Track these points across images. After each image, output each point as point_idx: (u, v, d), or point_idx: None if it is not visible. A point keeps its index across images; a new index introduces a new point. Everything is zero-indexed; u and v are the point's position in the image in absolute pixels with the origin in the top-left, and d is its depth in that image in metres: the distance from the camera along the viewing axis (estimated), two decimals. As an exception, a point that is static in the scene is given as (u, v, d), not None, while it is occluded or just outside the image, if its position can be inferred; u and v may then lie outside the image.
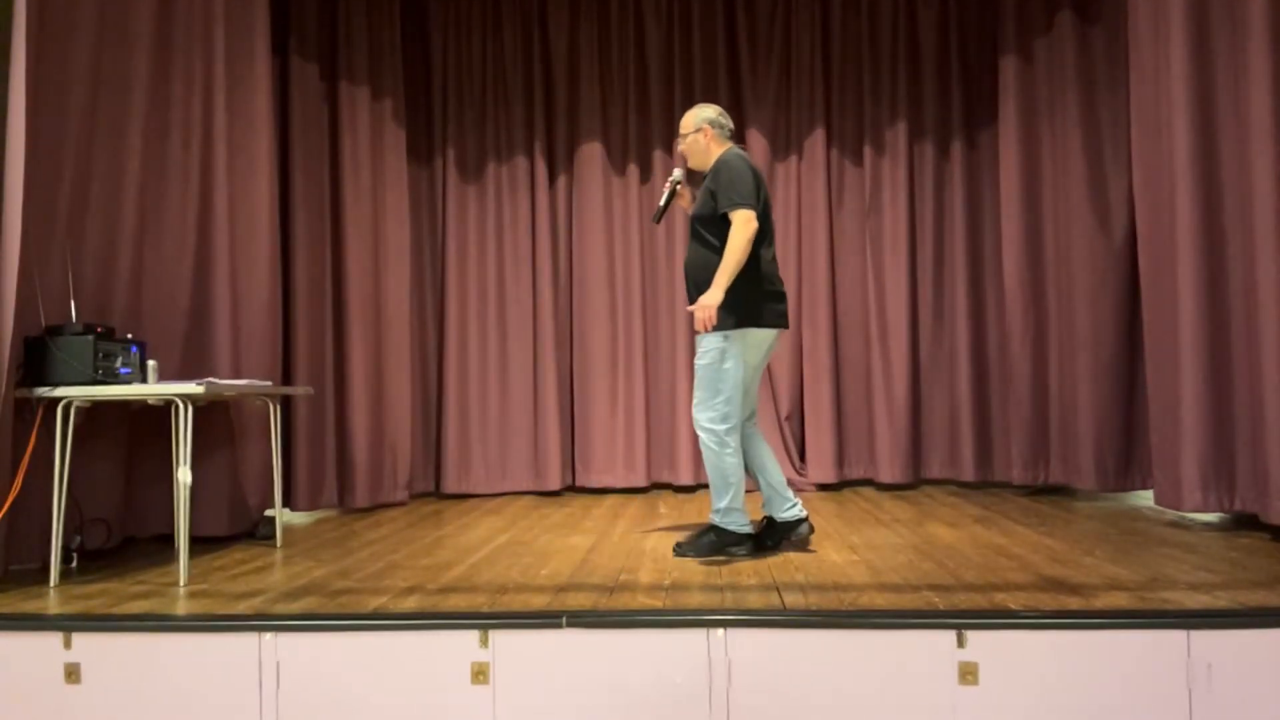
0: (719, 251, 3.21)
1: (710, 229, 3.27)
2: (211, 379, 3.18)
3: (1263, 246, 3.32)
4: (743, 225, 3.14)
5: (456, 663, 2.43)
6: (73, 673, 2.49)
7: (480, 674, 2.42)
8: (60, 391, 2.98)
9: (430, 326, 5.55)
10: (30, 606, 2.67)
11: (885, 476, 5.29)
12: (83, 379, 3.02)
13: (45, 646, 2.50)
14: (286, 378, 4.53)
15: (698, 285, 3.31)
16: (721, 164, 3.28)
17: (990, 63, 5.34)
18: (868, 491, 5.27)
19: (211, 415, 3.83)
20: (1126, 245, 4.62)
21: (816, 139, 5.45)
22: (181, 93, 3.81)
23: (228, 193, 3.94)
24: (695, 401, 3.28)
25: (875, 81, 5.47)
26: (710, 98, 5.51)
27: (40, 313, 3.11)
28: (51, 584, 2.97)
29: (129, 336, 3.29)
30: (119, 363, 3.15)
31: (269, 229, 4.14)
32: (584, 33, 5.56)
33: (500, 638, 2.44)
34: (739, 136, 5.54)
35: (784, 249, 5.48)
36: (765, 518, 3.42)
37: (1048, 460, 4.95)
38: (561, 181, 5.57)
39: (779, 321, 3.29)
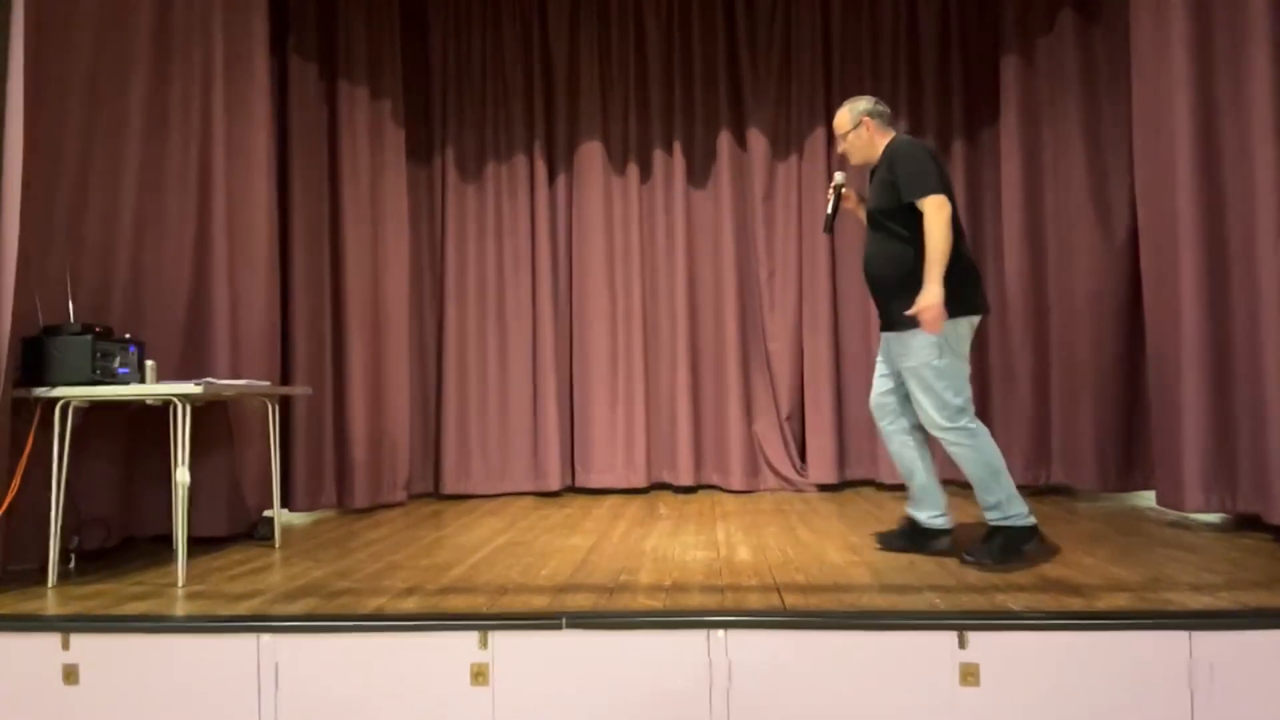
0: (909, 243, 3.07)
1: (896, 220, 3.11)
2: (210, 379, 3.17)
3: (1264, 246, 3.31)
4: (937, 211, 2.96)
5: (456, 664, 2.42)
6: (71, 674, 2.48)
7: (480, 675, 2.42)
8: (58, 392, 2.98)
9: (429, 326, 5.54)
10: (28, 607, 2.66)
11: (886, 476, 5.27)
12: (81, 379, 3.01)
13: (43, 647, 2.50)
14: (285, 378, 4.53)
15: (884, 281, 3.16)
16: (896, 152, 3.11)
17: (991, 62, 5.33)
18: (869, 492, 5.26)
19: (210, 415, 3.83)
20: (1128, 245, 4.61)
21: (817, 139, 5.44)
22: (180, 93, 3.81)
23: (226, 193, 3.93)
24: (922, 410, 3.08)
25: (876, 81, 5.46)
26: (710, 98, 5.51)
27: (38, 313, 3.11)
28: (50, 584, 2.96)
29: (127, 336, 3.28)
30: (117, 363, 3.14)
31: (267, 229, 4.13)
32: (584, 32, 5.55)
33: (500, 639, 2.43)
34: (740, 136, 5.53)
35: (785, 249, 5.48)
36: (908, 518, 3.33)
37: (1049, 460, 4.94)
38: (561, 181, 5.56)
39: (983, 305, 3.12)
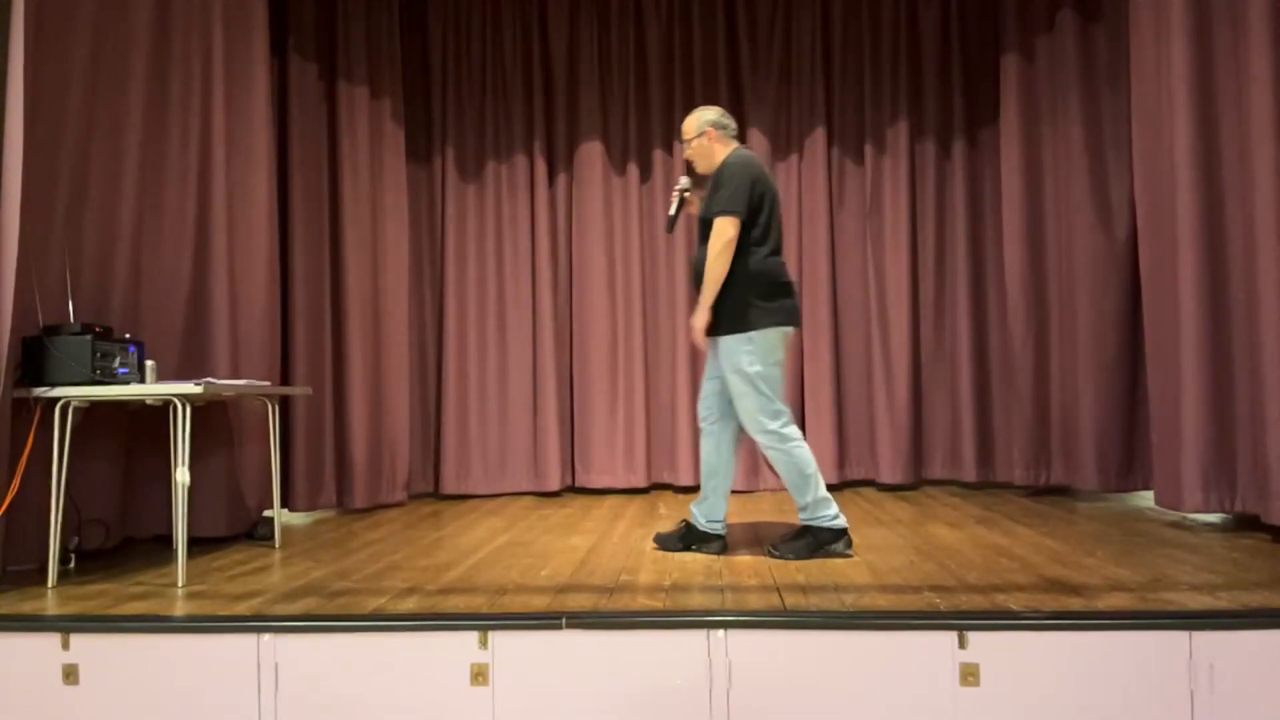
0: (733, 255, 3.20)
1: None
2: (210, 379, 3.17)
3: (1264, 245, 3.31)
4: (718, 234, 3.13)
5: (456, 664, 2.42)
6: (71, 673, 2.48)
7: (480, 675, 2.41)
8: (58, 391, 2.97)
9: (429, 326, 5.54)
10: (28, 607, 2.66)
11: (886, 477, 5.28)
12: (81, 379, 3.01)
13: (43, 647, 2.49)
14: (285, 378, 4.53)
15: (702, 284, 3.30)
16: (724, 167, 3.26)
17: (991, 61, 5.34)
18: (869, 492, 5.26)
19: (210, 415, 3.82)
20: (1128, 244, 4.61)
21: (817, 138, 5.44)
22: (180, 92, 3.81)
23: (226, 192, 3.93)
24: (741, 413, 3.23)
25: (876, 80, 5.47)
26: (710, 98, 5.51)
27: (38, 312, 3.10)
28: (49, 585, 2.96)
29: (127, 336, 3.28)
30: (117, 363, 3.14)
31: (267, 229, 4.13)
32: (584, 32, 5.55)
33: (500, 639, 2.43)
34: (740, 136, 5.53)
35: (785, 249, 5.47)
36: (685, 522, 3.45)
37: (1049, 461, 4.94)
38: (561, 181, 5.56)
39: (790, 319, 3.25)
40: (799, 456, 3.19)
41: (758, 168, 3.25)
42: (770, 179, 3.29)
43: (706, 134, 3.37)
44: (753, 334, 3.17)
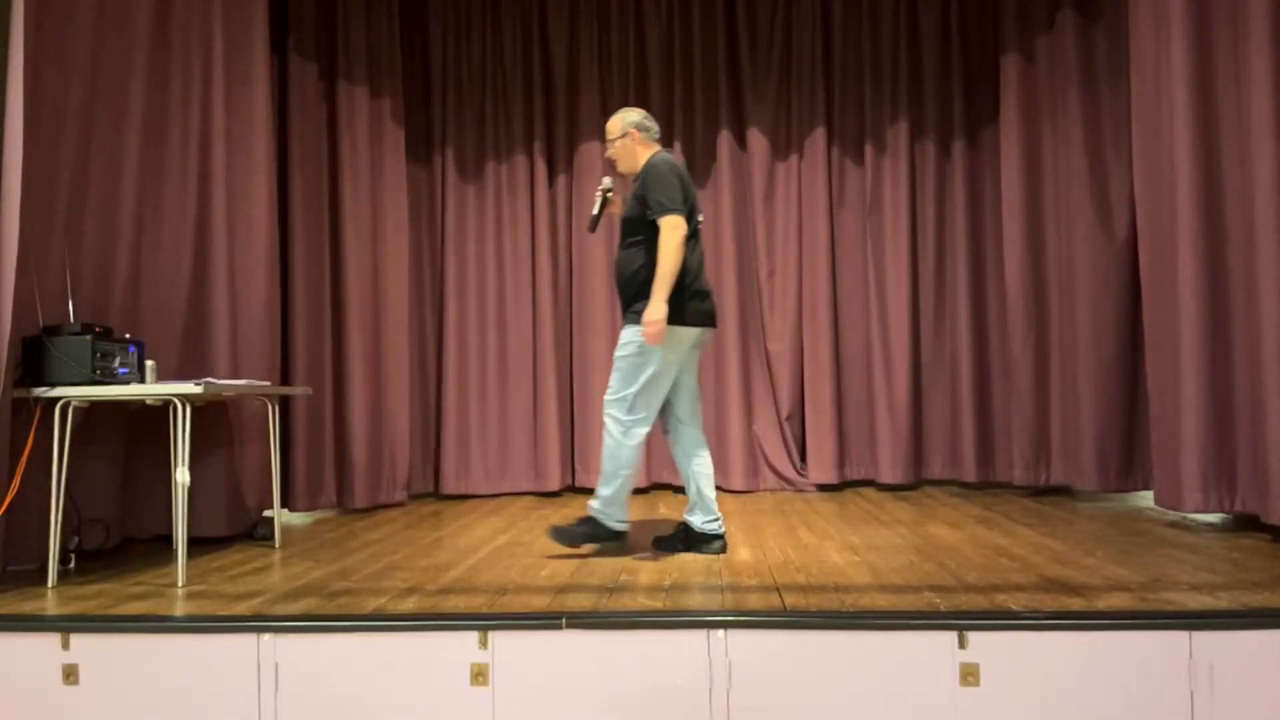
0: (648, 254, 3.25)
1: (640, 232, 3.29)
2: (210, 379, 3.17)
3: (1263, 245, 3.31)
4: (671, 231, 3.17)
5: (456, 664, 2.42)
6: (71, 673, 2.48)
7: (480, 675, 2.42)
8: (58, 391, 2.97)
9: (429, 326, 5.54)
10: (28, 607, 2.66)
11: (886, 477, 5.28)
12: (81, 379, 3.01)
13: (43, 647, 2.49)
14: (285, 378, 4.52)
15: (624, 285, 3.33)
16: (649, 168, 3.31)
17: (991, 61, 5.34)
18: (869, 492, 5.26)
19: (210, 415, 3.82)
20: (1128, 244, 4.61)
21: (817, 138, 5.44)
22: (180, 92, 3.81)
23: (226, 192, 3.93)
24: (609, 389, 3.31)
25: (876, 80, 5.47)
26: (710, 98, 5.51)
27: (38, 312, 3.10)
28: (49, 584, 2.96)
29: (127, 336, 3.28)
30: (117, 363, 3.14)
31: (267, 228, 4.13)
32: (584, 32, 5.55)
33: (500, 639, 2.43)
34: (740, 136, 5.53)
35: (785, 248, 5.48)
36: (682, 523, 3.45)
37: (1049, 461, 4.94)
38: (561, 181, 5.56)
39: (703, 320, 3.30)
40: (625, 456, 3.26)
41: (683, 171, 3.33)
42: (692, 184, 3.37)
43: (630, 135, 3.42)
44: (670, 329, 3.21)
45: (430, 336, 5.54)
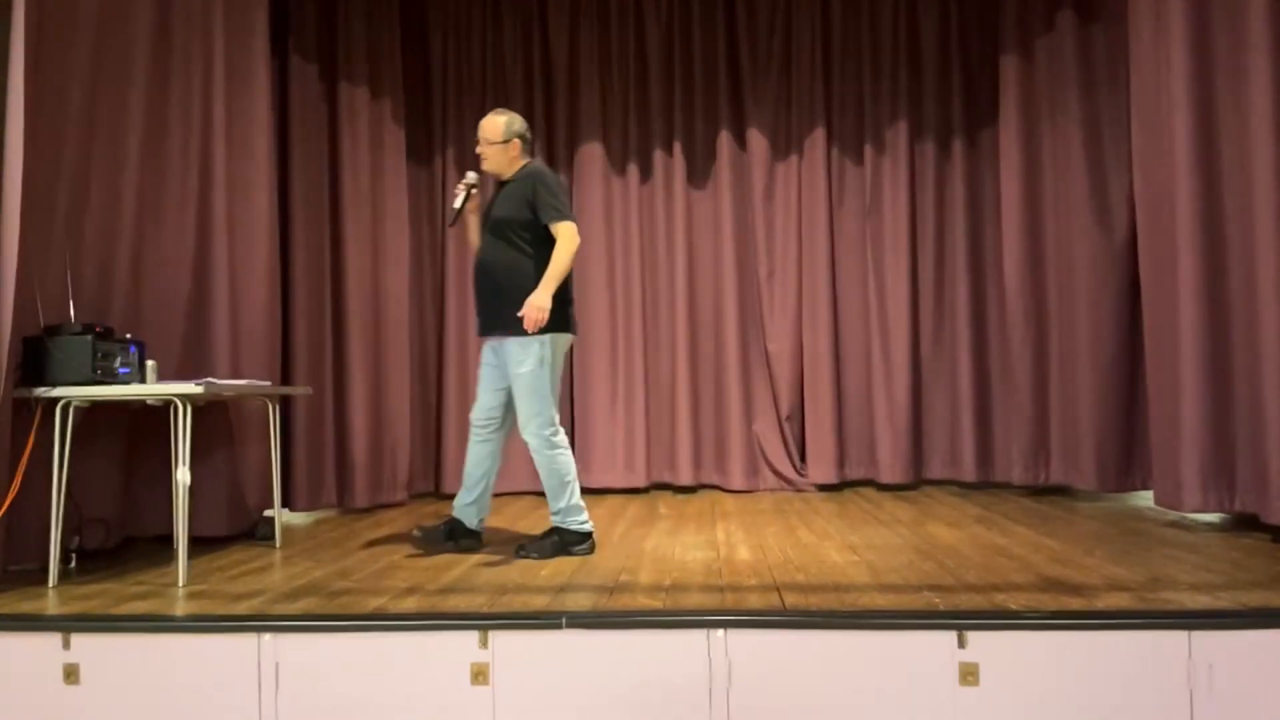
0: (531, 256, 3.34)
1: (524, 233, 3.36)
2: (210, 379, 3.17)
3: (1263, 246, 3.32)
4: (570, 238, 3.31)
5: (456, 663, 2.43)
6: (72, 673, 2.48)
7: (480, 675, 2.42)
8: (59, 391, 2.98)
9: (430, 326, 5.54)
10: (29, 607, 2.66)
11: (886, 477, 5.28)
12: (81, 379, 3.01)
13: (44, 647, 2.50)
14: (285, 377, 4.52)
15: (499, 286, 3.35)
16: (537, 175, 3.39)
17: (991, 61, 5.34)
18: (868, 492, 5.27)
19: (210, 415, 3.83)
20: (1127, 244, 4.61)
21: (817, 138, 5.44)
22: (180, 92, 3.81)
23: (227, 192, 3.93)
24: (521, 413, 3.33)
25: (875, 81, 5.47)
26: (710, 98, 5.51)
27: (39, 312, 3.10)
28: (50, 584, 2.96)
29: (128, 336, 3.28)
30: (118, 363, 3.15)
31: (268, 229, 4.13)
32: (584, 33, 5.55)
33: (500, 638, 2.43)
34: (740, 136, 5.54)
35: (785, 249, 5.48)
36: (451, 517, 3.54)
37: (1048, 460, 4.95)
38: (560, 180, 5.55)
39: (573, 327, 3.45)
40: (562, 464, 3.36)
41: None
42: None
43: (513, 144, 3.47)
44: (544, 338, 3.30)
45: (431, 335, 5.54)
